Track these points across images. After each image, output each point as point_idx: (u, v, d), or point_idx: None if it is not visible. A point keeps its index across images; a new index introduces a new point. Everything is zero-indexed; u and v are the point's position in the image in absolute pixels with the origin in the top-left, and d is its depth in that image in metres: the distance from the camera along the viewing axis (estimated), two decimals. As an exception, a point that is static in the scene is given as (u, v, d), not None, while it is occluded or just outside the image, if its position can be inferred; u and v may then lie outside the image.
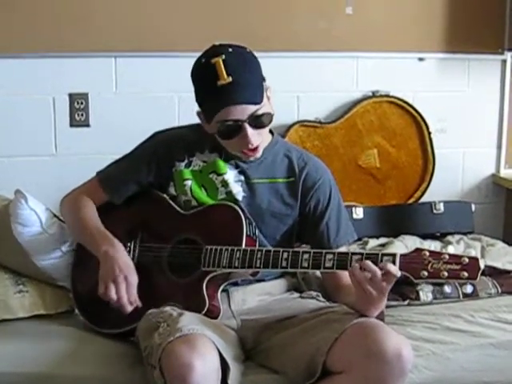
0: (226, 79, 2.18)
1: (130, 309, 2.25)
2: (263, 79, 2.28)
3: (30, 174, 3.19)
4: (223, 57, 2.19)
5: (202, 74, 2.25)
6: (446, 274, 1.97)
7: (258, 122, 2.24)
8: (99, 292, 2.25)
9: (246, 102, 2.20)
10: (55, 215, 2.60)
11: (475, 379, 2.39)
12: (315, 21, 3.32)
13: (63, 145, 3.26)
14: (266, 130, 2.32)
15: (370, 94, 3.43)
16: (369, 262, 2.04)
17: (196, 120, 2.39)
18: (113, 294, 2.23)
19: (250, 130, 2.24)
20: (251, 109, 2.21)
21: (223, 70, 2.18)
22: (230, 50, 2.23)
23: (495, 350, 2.43)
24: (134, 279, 2.26)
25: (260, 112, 2.23)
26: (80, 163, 3.16)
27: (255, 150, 2.30)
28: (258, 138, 2.28)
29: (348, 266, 2.07)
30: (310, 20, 3.32)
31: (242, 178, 2.39)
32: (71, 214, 2.49)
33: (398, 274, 2.01)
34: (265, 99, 2.25)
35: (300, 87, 3.37)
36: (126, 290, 2.24)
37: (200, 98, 2.28)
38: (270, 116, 2.28)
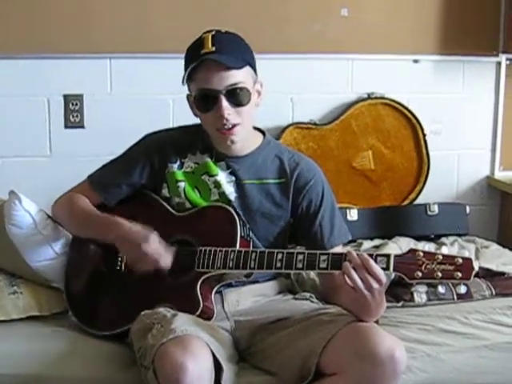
0: (209, 48, 2.23)
1: (168, 261, 2.25)
2: (250, 65, 2.29)
3: (25, 175, 3.19)
4: (213, 33, 2.26)
5: (190, 48, 2.30)
6: (439, 274, 1.97)
7: (234, 95, 2.24)
8: (140, 271, 2.26)
9: (224, 66, 2.21)
10: (49, 216, 2.59)
11: (469, 381, 2.40)
12: (310, 23, 3.33)
13: (58, 146, 3.26)
14: (246, 110, 2.29)
15: (365, 95, 3.43)
16: (352, 252, 2.04)
17: (191, 122, 2.39)
18: (148, 266, 2.23)
19: (224, 103, 2.23)
20: (228, 79, 2.22)
21: (210, 41, 2.24)
22: (223, 31, 2.29)
23: (489, 351, 2.44)
24: (153, 238, 2.24)
25: (238, 86, 2.24)
26: (75, 164, 3.16)
27: (231, 130, 2.28)
28: (235, 117, 2.27)
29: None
30: (305, 22, 3.32)
31: (233, 178, 2.39)
32: (69, 212, 2.48)
33: (381, 274, 2.01)
34: (247, 79, 2.26)
35: (295, 89, 3.38)
36: (155, 253, 2.22)
37: (185, 67, 2.29)
38: (248, 94, 2.27)
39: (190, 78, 2.27)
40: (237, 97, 2.25)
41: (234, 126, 2.27)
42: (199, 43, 2.25)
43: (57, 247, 2.56)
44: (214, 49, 2.22)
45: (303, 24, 3.31)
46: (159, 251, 2.24)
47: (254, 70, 2.32)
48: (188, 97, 2.35)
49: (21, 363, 2.25)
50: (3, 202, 2.62)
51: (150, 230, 2.26)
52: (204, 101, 2.27)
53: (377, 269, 2.00)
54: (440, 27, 3.43)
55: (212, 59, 2.21)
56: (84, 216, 2.43)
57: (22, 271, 2.59)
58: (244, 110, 2.28)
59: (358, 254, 2.03)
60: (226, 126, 2.27)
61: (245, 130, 2.33)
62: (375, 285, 2.00)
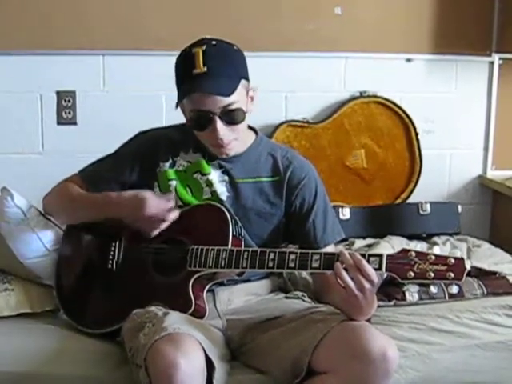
0: (201, 69, 2.20)
1: (175, 212, 2.26)
2: (243, 77, 2.28)
3: (17, 171, 3.18)
4: (204, 48, 2.22)
5: (181, 62, 2.28)
6: (432, 274, 1.97)
7: (229, 117, 2.24)
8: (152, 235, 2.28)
9: (215, 93, 2.20)
10: (41, 213, 2.58)
11: (460, 380, 2.40)
12: (304, 21, 3.33)
13: (50, 143, 3.26)
14: (240, 127, 2.30)
15: (358, 94, 3.43)
16: (345, 252, 2.04)
17: (183, 119, 2.38)
18: (159, 226, 2.26)
19: (219, 124, 2.24)
20: (222, 102, 2.21)
21: (201, 59, 2.21)
22: (214, 42, 2.25)
23: (480, 350, 2.44)
24: (150, 199, 2.25)
25: (232, 107, 2.23)
26: (67, 161, 3.14)
27: (227, 146, 2.30)
28: (230, 135, 2.28)
29: (335, 267, 2.07)
30: (298, 20, 3.32)
31: (226, 177, 2.38)
32: (62, 198, 2.48)
33: (373, 274, 2.01)
34: (241, 96, 2.26)
35: (288, 87, 3.38)
36: (159, 213, 2.24)
37: (176, 85, 2.29)
38: (242, 113, 2.27)
39: (182, 96, 2.26)
40: (231, 117, 2.25)
41: (229, 142, 2.29)
42: (190, 60, 2.22)
43: (48, 244, 2.55)
44: (205, 69, 2.20)
45: (297, 22, 3.32)
46: (161, 208, 2.26)
47: (247, 79, 2.31)
48: (180, 104, 2.34)
49: (11, 361, 2.25)
50: (-5, 198, 2.61)
51: (141, 191, 2.28)
52: (198, 121, 2.27)
53: (369, 269, 2.00)
54: (433, 26, 3.43)
55: (204, 84, 2.20)
56: (79, 199, 2.42)
57: (13, 268, 2.59)
58: (238, 127, 2.29)
59: (350, 254, 2.04)
60: (220, 143, 2.29)
61: (239, 142, 2.34)
62: (367, 285, 2.00)
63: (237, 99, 2.24)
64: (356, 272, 2.00)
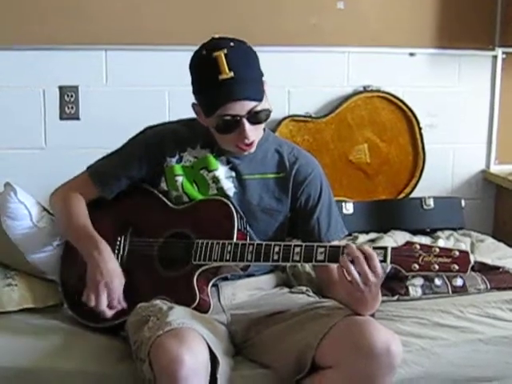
0: (227, 74, 2.16)
1: (109, 314, 2.26)
2: (262, 74, 2.28)
3: (20, 167, 3.18)
4: (225, 51, 2.18)
5: (203, 67, 2.23)
6: (436, 266, 1.98)
7: (256, 118, 2.23)
8: (82, 299, 2.27)
9: (248, 99, 2.19)
10: (45, 209, 2.59)
11: (464, 375, 2.40)
12: (306, 15, 3.32)
13: (53, 138, 3.25)
14: (263, 125, 2.31)
15: (361, 88, 3.42)
16: (351, 245, 2.05)
17: (186, 114, 2.38)
18: (92, 302, 2.24)
19: (247, 126, 2.22)
20: (251, 105, 2.20)
21: (225, 64, 2.17)
22: (232, 44, 2.22)
23: (484, 345, 2.44)
24: (116, 285, 2.25)
25: (259, 108, 2.22)
26: (69, 156, 3.15)
27: (250, 145, 2.29)
28: (255, 134, 2.27)
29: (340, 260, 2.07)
30: (301, 14, 3.31)
31: (233, 174, 2.38)
32: (61, 211, 2.47)
33: (379, 266, 2.01)
34: (264, 93, 2.25)
35: (291, 82, 3.37)
36: (106, 296, 2.24)
37: (199, 90, 2.26)
38: (268, 112, 2.27)
39: (216, 105, 2.22)
40: (258, 118, 2.24)
41: (252, 141, 2.28)
42: (213, 66, 2.17)
43: (53, 240, 2.55)
44: (232, 74, 2.16)
45: (299, 17, 3.31)
46: (113, 297, 2.25)
47: (262, 74, 2.29)
48: (194, 105, 2.32)
49: (14, 356, 2.24)
50: (-2, 193, 2.61)
51: (118, 276, 2.27)
52: (226, 125, 2.24)
53: (375, 261, 2.00)
54: (436, 20, 3.43)
55: (235, 91, 2.17)
56: (72, 223, 2.41)
57: (16, 263, 2.59)
58: (261, 125, 2.29)
59: (356, 247, 2.04)
60: (247, 143, 2.27)
61: (259, 138, 2.33)
62: (372, 278, 2.01)
63: (263, 100, 2.24)
64: (362, 264, 2.00)
